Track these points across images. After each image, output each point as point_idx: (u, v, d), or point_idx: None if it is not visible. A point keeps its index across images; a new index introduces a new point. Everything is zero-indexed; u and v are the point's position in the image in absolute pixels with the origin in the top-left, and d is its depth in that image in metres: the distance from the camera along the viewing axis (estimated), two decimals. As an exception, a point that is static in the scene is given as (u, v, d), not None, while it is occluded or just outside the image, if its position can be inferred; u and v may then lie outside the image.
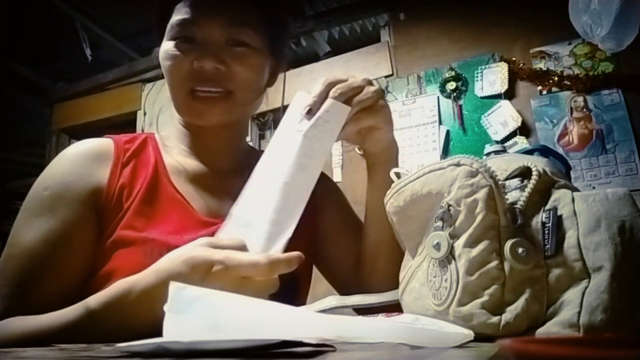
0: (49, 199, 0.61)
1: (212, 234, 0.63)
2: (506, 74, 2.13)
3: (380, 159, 0.64)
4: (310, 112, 0.56)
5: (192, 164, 0.71)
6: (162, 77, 0.71)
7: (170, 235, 0.60)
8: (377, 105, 0.59)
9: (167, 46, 0.65)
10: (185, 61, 0.64)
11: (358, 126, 0.59)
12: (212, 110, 0.65)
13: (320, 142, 0.56)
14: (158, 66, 0.70)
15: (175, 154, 0.71)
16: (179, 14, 0.65)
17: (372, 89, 0.59)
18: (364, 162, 0.68)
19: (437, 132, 2.18)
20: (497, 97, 2.14)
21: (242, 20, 0.66)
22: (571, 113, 2.02)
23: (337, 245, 0.75)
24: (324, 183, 0.75)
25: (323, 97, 0.57)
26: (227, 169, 0.73)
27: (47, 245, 0.58)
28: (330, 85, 0.58)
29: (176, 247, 0.49)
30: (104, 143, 0.68)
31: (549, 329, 0.33)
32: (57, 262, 0.59)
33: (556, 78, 2.04)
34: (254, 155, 0.82)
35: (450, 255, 0.38)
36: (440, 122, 2.21)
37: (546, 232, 0.35)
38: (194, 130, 0.72)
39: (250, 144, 0.85)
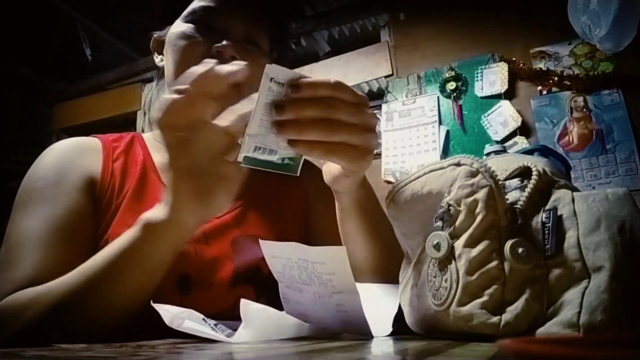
0: (46, 188, 0.60)
1: (202, 230, 0.63)
2: (506, 74, 2.13)
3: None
4: None
5: None
6: (162, 76, 0.71)
7: None
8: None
9: (183, 27, 0.66)
10: (202, 44, 0.64)
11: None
12: None
13: None
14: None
15: (165, 151, 0.71)
16: (203, 0, 0.67)
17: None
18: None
19: (437, 132, 2.18)
20: (497, 97, 2.14)
21: (259, 22, 0.68)
22: (571, 113, 2.02)
23: (327, 230, 0.73)
24: (311, 169, 0.76)
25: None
26: None
27: (52, 231, 0.57)
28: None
29: None
30: (91, 140, 0.70)
31: (549, 329, 0.33)
32: (65, 249, 0.57)
33: (556, 78, 2.04)
34: None
35: (450, 255, 0.38)
36: (440, 122, 2.21)
37: (546, 232, 0.35)
38: None
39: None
